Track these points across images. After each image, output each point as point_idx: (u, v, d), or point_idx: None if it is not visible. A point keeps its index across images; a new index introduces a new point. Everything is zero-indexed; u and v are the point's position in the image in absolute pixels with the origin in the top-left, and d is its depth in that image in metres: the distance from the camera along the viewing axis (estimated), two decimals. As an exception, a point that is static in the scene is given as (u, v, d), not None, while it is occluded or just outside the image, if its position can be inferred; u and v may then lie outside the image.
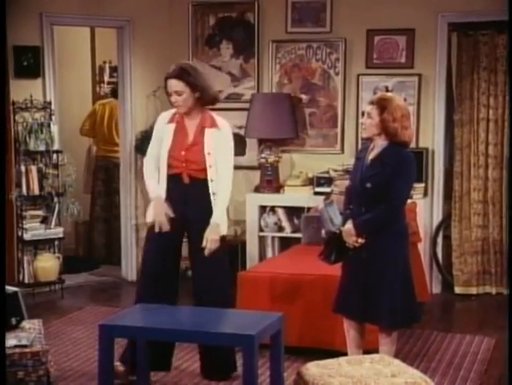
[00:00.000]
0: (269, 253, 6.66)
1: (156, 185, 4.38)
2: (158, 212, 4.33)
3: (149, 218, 4.41)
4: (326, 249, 4.30)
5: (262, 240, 6.69)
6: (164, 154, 4.37)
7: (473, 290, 6.57)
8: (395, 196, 4.10)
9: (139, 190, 7.14)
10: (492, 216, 6.55)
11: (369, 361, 3.71)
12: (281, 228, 6.63)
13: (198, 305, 4.35)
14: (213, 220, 4.34)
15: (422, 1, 6.41)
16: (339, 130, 6.70)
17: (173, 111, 4.44)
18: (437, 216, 6.63)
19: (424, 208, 6.43)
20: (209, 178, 4.36)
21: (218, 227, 4.36)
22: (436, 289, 6.65)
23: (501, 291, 6.53)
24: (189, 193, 4.37)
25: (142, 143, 6.97)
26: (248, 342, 3.40)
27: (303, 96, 6.75)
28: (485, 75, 6.46)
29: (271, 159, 6.57)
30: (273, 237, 6.67)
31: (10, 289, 4.24)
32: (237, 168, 6.83)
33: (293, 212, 6.58)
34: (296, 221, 6.57)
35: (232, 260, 6.53)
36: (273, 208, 6.63)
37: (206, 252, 4.32)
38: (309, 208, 6.31)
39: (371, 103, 4.16)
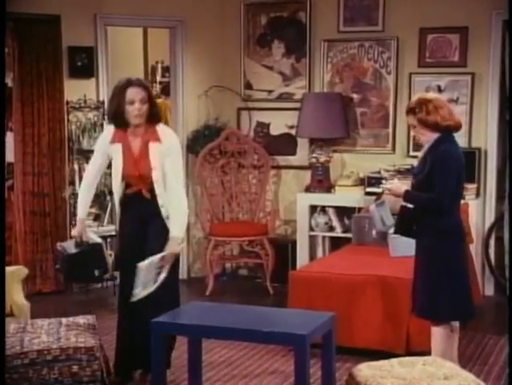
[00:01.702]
0: (319, 253, 6.65)
1: (85, 206, 4.42)
2: (77, 234, 4.35)
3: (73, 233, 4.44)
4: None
5: (312, 239, 6.67)
6: (117, 174, 4.32)
7: (527, 293, 6.45)
8: (437, 190, 4.07)
9: (190, 189, 7.18)
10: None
11: (422, 363, 3.67)
12: (331, 228, 6.60)
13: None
14: (172, 234, 4.20)
15: (476, -1, 6.33)
16: (390, 130, 6.65)
17: (111, 129, 4.32)
18: (490, 218, 6.53)
19: (477, 209, 6.34)
20: (156, 192, 4.25)
21: (177, 241, 4.22)
22: (488, 291, 6.55)
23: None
24: (149, 208, 4.28)
25: (193, 143, 7.02)
26: (300, 341, 3.39)
27: (355, 96, 6.71)
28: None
29: (322, 158, 6.55)
30: (323, 237, 6.66)
31: (93, 238, 4.30)
32: (287, 167, 6.99)
33: (344, 212, 6.55)
34: (347, 221, 6.55)
35: (282, 259, 6.62)
36: (323, 208, 6.61)
37: (166, 265, 4.15)
38: (360, 209, 6.27)
39: (407, 114, 4.21)
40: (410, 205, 4.19)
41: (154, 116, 4.28)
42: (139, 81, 4.32)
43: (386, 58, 6.59)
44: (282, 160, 7.01)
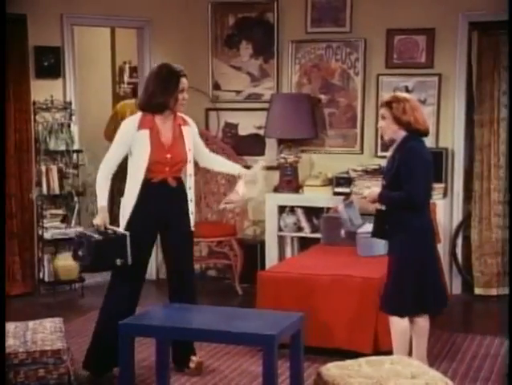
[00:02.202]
0: (288, 253, 6.66)
1: (105, 194, 4.43)
2: (101, 223, 4.37)
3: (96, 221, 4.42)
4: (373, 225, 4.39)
5: (281, 240, 6.69)
6: (140, 162, 4.37)
7: (494, 291, 6.53)
8: (408, 187, 4.14)
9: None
10: (512, 216, 6.51)
11: (389, 362, 3.70)
12: (300, 229, 6.62)
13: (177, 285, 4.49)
14: (241, 171, 4.72)
15: (442, 0, 6.37)
16: (358, 130, 6.68)
17: (138, 117, 4.39)
18: (457, 217, 6.59)
19: (444, 209, 6.40)
20: (188, 173, 4.49)
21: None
22: (456, 289, 6.62)
23: (522, 292, 6.48)
24: (174, 196, 4.46)
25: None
26: (268, 341, 3.39)
27: (323, 96, 6.74)
28: (506, 75, 6.42)
29: (291, 159, 6.57)
30: (292, 237, 6.68)
31: (120, 231, 4.26)
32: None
33: (312, 212, 6.57)
34: (315, 221, 6.57)
35: (251, 260, 6.63)
36: (292, 209, 6.63)
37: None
38: (328, 209, 6.30)
39: (382, 106, 4.30)
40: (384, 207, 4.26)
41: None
42: (184, 70, 4.42)
43: (354, 59, 6.63)
44: (250, 160, 6.99)
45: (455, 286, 6.63)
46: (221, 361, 4.86)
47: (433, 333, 5.31)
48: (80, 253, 4.15)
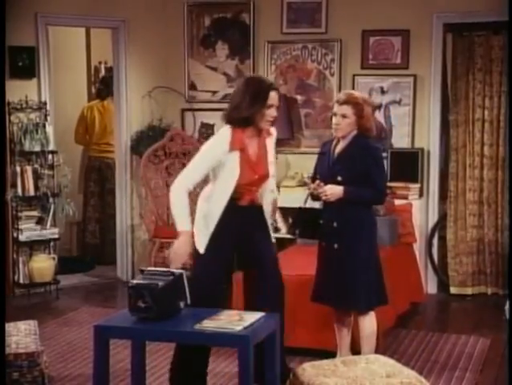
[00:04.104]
0: (264, 254, 6.65)
1: (188, 217, 3.99)
2: (183, 252, 4.01)
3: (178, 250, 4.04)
4: (292, 224, 4.50)
5: (257, 240, 6.67)
6: (226, 185, 4.02)
7: (469, 291, 6.58)
8: (378, 183, 4.26)
9: (134, 191, 7.15)
10: (487, 216, 6.56)
11: (364, 361, 3.72)
12: (276, 229, 6.57)
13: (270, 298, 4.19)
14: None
15: (417, 2, 6.42)
16: (334, 130, 6.70)
17: (229, 134, 3.99)
18: (433, 217, 6.63)
19: (420, 209, 6.45)
20: (269, 189, 4.25)
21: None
22: (431, 289, 6.66)
23: (496, 291, 6.54)
24: (261, 218, 4.24)
25: (137, 144, 6.98)
26: (243, 342, 3.39)
27: (299, 97, 6.76)
28: (481, 76, 6.48)
29: (267, 159, 6.56)
30: (268, 238, 6.67)
31: (176, 271, 3.76)
32: (233, 168, 6.96)
33: (289, 212, 6.55)
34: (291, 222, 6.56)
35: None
36: (268, 209, 6.62)
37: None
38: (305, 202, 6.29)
39: (345, 103, 4.26)
40: (316, 206, 4.34)
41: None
42: (274, 84, 4.23)
43: (329, 60, 6.66)
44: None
45: (431, 286, 6.67)
46: (197, 362, 4.85)
47: (408, 332, 5.38)
48: (142, 304, 3.63)
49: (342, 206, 4.28)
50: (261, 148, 4.13)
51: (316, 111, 6.74)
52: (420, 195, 6.51)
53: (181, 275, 3.78)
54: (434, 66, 6.48)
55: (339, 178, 4.26)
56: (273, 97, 4.01)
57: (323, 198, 4.30)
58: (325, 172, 4.33)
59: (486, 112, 6.49)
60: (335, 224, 4.31)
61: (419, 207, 6.40)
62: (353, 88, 6.53)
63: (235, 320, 3.60)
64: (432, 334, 5.42)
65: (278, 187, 6.62)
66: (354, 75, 6.59)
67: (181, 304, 3.75)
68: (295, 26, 6.68)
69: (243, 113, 3.98)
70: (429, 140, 6.56)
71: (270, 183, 4.26)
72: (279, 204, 6.46)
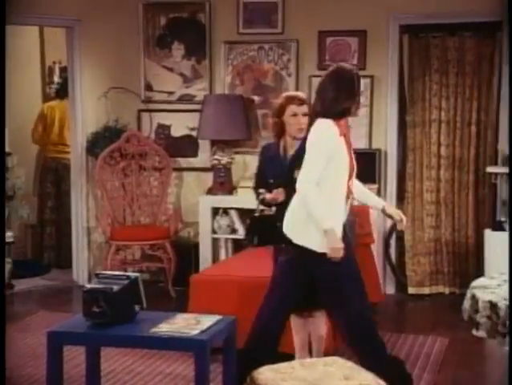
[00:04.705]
0: (222, 256, 6.66)
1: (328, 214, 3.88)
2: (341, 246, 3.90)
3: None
4: (249, 233, 4.41)
5: (215, 242, 6.67)
6: (344, 173, 3.95)
7: (427, 290, 6.63)
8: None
9: (90, 192, 7.07)
10: (444, 216, 6.62)
11: (322, 364, 3.70)
12: (234, 231, 6.62)
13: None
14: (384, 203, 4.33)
15: (373, 3, 6.44)
16: (291, 131, 6.69)
17: (331, 123, 3.90)
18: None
19: (378, 210, 6.44)
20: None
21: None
22: (389, 289, 6.69)
23: (453, 291, 6.60)
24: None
25: (93, 145, 6.90)
26: (199, 347, 3.37)
27: (256, 97, 6.74)
28: (437, 77, 6.53)
29: (224, 160, 6.55)
30: (226, 239, 6.67)
31: (132, 275, 3.75)
32: (189, 169, 6.96)
33: (246, 214, 6.51)
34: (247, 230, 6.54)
35: (185, 262, 6.58)
36: (226, 210, 6.62)
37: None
38: (262, 210, 6.28)
39: (304, 102, 4.27)
40: (270, 212, 4.29)
41: None
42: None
43: (286, 61, 6.64)
44: (183, 161, 6.97)
45: (389, 286, 6.71)
46: (154, 366, 4.81)
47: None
48: (96, 309, 3.58)
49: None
50: (350, 140, 4.06)
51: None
52: (378, 195, 6.49)
53: (137, 279, 3.74)
54: (391, 67, 6.50)
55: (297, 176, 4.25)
56: (361, 85, 4.04)
57: (279, 201, 4.26)
58: (281, 175, 4.30)
59: (443, 113, 6.55)
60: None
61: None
62: (310, 89, 6.53)
63: (192, 324, 3.58)
64: (391, 335, 5.43)
65: (236, 188, 6.61)
66: (311, 76, 6.57)
67: (137, 308, 3.70)
68: (252, 26, 6.66)
69: (344, 104, 3.91)
70: (386, 141, 6.59)
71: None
72: (236, 206, 6.54)
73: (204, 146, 6.88)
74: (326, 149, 3.88)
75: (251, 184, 6.45)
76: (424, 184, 6.61)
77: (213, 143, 6.73)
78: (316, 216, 3.86)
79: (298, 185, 3.90)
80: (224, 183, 6.60)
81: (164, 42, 6.91)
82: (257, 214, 4.36)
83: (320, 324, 4.45)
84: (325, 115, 3.92)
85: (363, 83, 6.37)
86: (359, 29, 6.46)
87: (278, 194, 4.23)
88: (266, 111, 6.71)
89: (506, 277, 3.71)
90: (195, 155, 6.91)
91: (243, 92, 6.71)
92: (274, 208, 4.36)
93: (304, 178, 3.88)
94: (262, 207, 4.37)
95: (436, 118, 6.56)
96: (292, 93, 4.56)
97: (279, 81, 6.69)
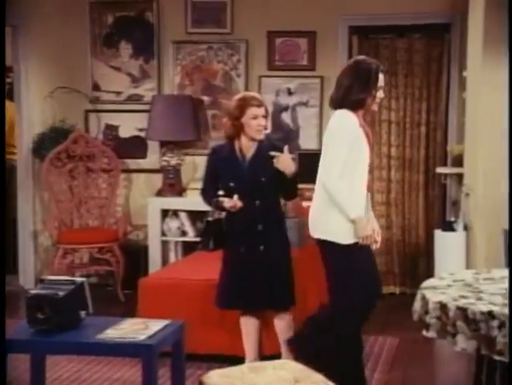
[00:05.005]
0: (172, 259, 6.60)
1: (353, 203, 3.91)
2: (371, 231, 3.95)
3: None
4: (204, 237, 4.40)
5: (164, 245, 6.61)
6: (365, 164, 3.97)
7: (377, 291, 6.64)
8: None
9: (37, 195, 6.93)
10: (395, 217, 6.66)
11: (272, 367, 3.66)
12: (184, 233, 6.56)
13: None
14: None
15: (323, 4, 6.45)
16: (241, 132, 6.66)
17: (350, 113, 3.93)
18: (341, 218, 6.65)
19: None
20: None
21: None
22: (340, 290, 6.68)
23: (404, 291, 6.64)
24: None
25: (39, 147, 6.78)
26: (147, 352, 3.30)
27: (205, 98, 6.70)
28: (387, 78, 6.51)
29: (173, 162, 6.49)
30: (176, 242, 6.61)
31: (78, 279, 3.66)
32: (138, 171, 6.88)
33: (196, 216, 6.49)
34: (199, 225, 6.48)
35: (134, 266, 6.49)
36: (175, 212, 6.56)
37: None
38: (213, 212, 6.23)
39: (262, 104, 4.30)
40: (220, 216, 4.30)
41: None
42: (381, 66, 4.09)
43: (236, 61, 6.62)
44: (132, 163, 6.89)
45: (339, 287, 6.69)
46: (101, 372, 4.72)
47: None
48: (41, 315, 3.48)
49: (266, 208, 4.29)
50: (369, 134, 4.05)
51: (223, 112, 6.66)
52: (328, 196, 6.52)
53: (83, 284, 3.67)
54: (340, 68, 6.40)
55: (263, 179, 4.27)
56: (381, 79, 4.01)
57: (237, 208, 4.23)
58: (242, 177, 4.29)
59: (393, 114, 6.59)
60: (259, 227, 4.30)
61: (327, 208, 6.40)
62: (259, 89, 6.52)
63: (139, 328, 3.51)
64: (341, 336, 5.41)
65: (185, 190, 6.55)
66: (260, 76, 6.57)
67: (83, 314, 3.63)
68: (200, 25, 6.61)
69: (358, 95, 3.93)
70: (336, 142, 6.58)
71: None
72: (186, 208, 6.48)
73: (153, 147, 6.81)
74: (347, 139, 3.88)
75: (201, 185, 6.48)
76: (375, 184, 6.64)
77: (163, 144, 6.65)
78: (343, 207, 3.86)
79: (323, 179, 3.91)
80: (173, 184, 6.54)
81: (111, 41, 6.82)
82: (211, 218, 4.33)
83: (287, 325, 4.43)
84: (340, 106, 3.95)
85: (314, 84, 6.50)
86: (308, 30, 6.47)
87: (237, 202, 4.23)
88: (215, 112, 6.69)
89: (456, 277, 3.72)
90: (144, 156, 6.84)
91: (192, 93, 6.66)
92: (223, 213, 4.32)
93: (329, 173, 3.88)
94: (215, 210, 4.33)
95: (386, 119, 6.60)
96: (249, 94, 4.51)
97: (229, 81, 6.66)
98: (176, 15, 6.65)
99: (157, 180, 6.68)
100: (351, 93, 3.93)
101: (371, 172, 6.48)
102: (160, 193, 6.62)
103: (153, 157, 6.79)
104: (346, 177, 3.88)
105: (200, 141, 6.67)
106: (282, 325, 4.45)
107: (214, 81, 6.68)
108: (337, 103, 3.99)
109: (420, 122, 6.55)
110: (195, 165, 6.75)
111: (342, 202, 3.88)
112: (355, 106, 3.93)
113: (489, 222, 5.26)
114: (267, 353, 4.58)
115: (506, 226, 4.35)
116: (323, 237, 4.00)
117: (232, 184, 4.29)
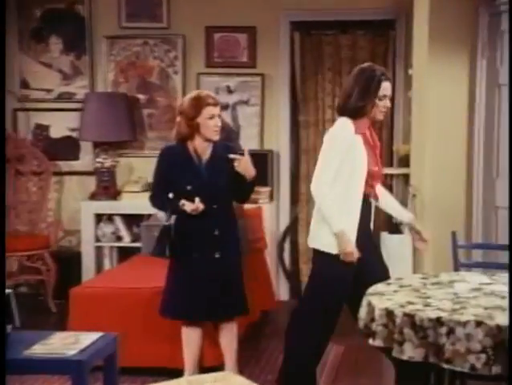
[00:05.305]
0: (106, 265, 6.51)
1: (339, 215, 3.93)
2: (354, 248, 3.94)
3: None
4: (159, 244, 4.30)
5: (98, 251, 6.51)
6: (361, 172, 3.96)
7: (322, 296, 6.63)
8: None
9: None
10: (339, 219, 6.64)
11: (212, 380, 3.59)
12: (119, 238, 6.49)
13: None
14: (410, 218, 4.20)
15: (263, -3, 6.44)
16: (179, 132, 6.59)
17: (349, 121, 3.97)
18: (284, 221, 6.65)
19: (271, 213, 6.44)
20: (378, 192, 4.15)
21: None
22: (283, 296, 6.68)
23: (349, 296, 6.62)
24: (370, 215, 4.11)
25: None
26: (76, 368, 3.19)
27: (141, 96, 6.62)
28: (330, 76, 6.59)
29: (108, 163, 6.42)
30: (111, 248, 6.53)
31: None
32: (70, 173, 6.76)
33: (132, 220, 6.44)
34: (135, 230, 6.47)
35: (66, 274, 6.36)
36: (110, 217, 6.48)
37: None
38: (149, 216, 6.16)
39: (217, 103, 4.27)
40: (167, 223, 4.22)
41: None
42: (387, 74, 4.09)
43: (172, 57, 6.56)
44: (64, 165, 6.76)
45: (283, 292, 6.69)
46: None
47: (258, 344, 5.32)
48: None
49: (222, 212, 4.25)
50: (375, 143, 4.09)
51: (160, 111, 6.62)
52: (271, 198, 6.51)
53: (8, 296, 3.54)
54: (282, 66, 6.51)
55: (221, 182, 4.24)
56: (385, 88, 4.01)
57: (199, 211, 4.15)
58: (199, 180, 4.22)
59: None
60: (216, 233, 4.25)
61: (270, 211, 6.40)
62: (198, 87, 6.46)
63: (69, 343, 3.42)
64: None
65: (120, 193, 6.46)
66: (199, 74, 6.53)
67: (8, 328, 3.49)
68: (135, 20, 6.53)
69: (357, 103, 3.97)
70: (279, 142, 6.59)
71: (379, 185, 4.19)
72: (121, 211, 6.37)
73: (86, 148, 6.70)
74: (339, 147, 3.93)
75: (137, 188, 6.40)
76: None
77: (96, 144, 6.56)
78: (327, 219, 3.91)
79: (312, 187, 3.95)
80: (108, 187, 6.45)
81: (40, 35, 6.69)
82: (167, 223, 4.23)
83: (233, 334, 4.39)
84: (342, 113, 4.01)
85: (254, 81, 6.46)
86: (248, 25, 6.45)
87: (200, 205, 4.15)
88: (151, 111, 6.63)
89: (403, 282, 3.69)
90: (76, 158, 6.73)
91: (127, 90, 6.57)
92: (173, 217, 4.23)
93: (317, 180, 3.92)
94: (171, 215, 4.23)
95: (330, 118, 6.61)
96: (204, 92, 4.40)
97: (165, 79, 6.60)
98: (110, 8, 6.55)
99: (91, 182, 6.58)
100: (350, 100, 3.98)
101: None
102: (93, 197, 6.52)
103: (86, 159, 6.69)
104: (338, 185, 3.91)
105: (135, 142, 6.59)
106: (228, 335, 4.40)
107: (150, 78, 6.60)
108: (339, 111, 4.06)
109: (365, 121, 6.55)
110: (130, 167, 6.67)
111: (327, 213, 3.91)
112: (353, 113, 3.98)
113: (436, 224, 5.27)
114: (208, 365, 4.51)
115: (455, 228, 4.36)
116: (316, 246, 4.03)
117: (189, 188, 4.21)
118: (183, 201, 4.16)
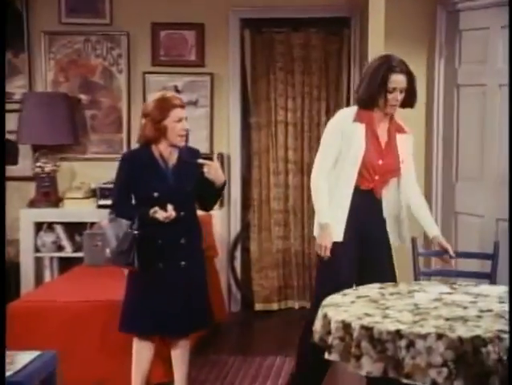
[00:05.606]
0: (47, 277, 6.41)
1: (328, 208, 4.06)
2: (329, 243, 4.06)
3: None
4: (126, 254, 4.13)
5: (38, 261, 6.41)
6: (352, 162, 4.02)
7: (275, 306, 6.67)
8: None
9: None
10: (293, 226, 6.68)
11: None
12: (60, 248, 6.39)
13: None
14: (435, 233, 4.24)
15: (212, -7, 6.41)
16: (124, 135, 6.54)
17: (353, 110, 4.09)
18: (235, 228, 6.63)
19: (221, 220, 6.41)
20: (401, 190, 4.19)
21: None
22: (234, 307, 6.66)
23: (304, 305, 6.65)
24: (376, 209, 4.16)
25: None
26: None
27: (83, 96, 6.54)
28: (282, 76, 6.59)
29: (48, 168, 6.32)
30: (51, 258, 6.43)
31: None
32: (8, 179, 6.58)
33: (74, 228, 6.35)
34: (78, 239, 6.38)
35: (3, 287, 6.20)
36: (50, 225, 6.37)
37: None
38: (92, 224, 6.13)
39: (184, 105, 4.23)
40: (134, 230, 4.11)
41: (407, 105, 4.11)
42: (402, 66, 4.00)
43: (116, 56, 6.49)
44: (-4, 168, 6.63)
45: (234, 303, 6.68)
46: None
47: (208, 358, 5.26)
48: None
49: (188, 220, 4.19)
50: (391, 139, 4.12)
51: (103, 112, 6.55)
52: (221, 204, 6.46)
53: None
54: (232, 65, 6.49)
55: (188, 188, 4.17)
56: (395, 80, 3.99)
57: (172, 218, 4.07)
58: (166, 186, 4.14)
59: (289, 114, 6.61)
60: (182, 241, 4.17)
61: (220, 217, 6.37)
62: (144, 87, 6.39)
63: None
64: (235, 358, 5.33)
65: (62, 199, 6.35)
66: (144, 73, 6.47)
67: None
68: (76, 15, 6.44)
69: (363, 94, 4.04)
70: (229, 145, 6.55)
71: (402, 182, 4.19)
72: (63, 219, 6.25)
73: (24, 152, 6.59)
74: (335, 136, 4.04)
75: (80, 194, 6.29)
76: (272, 190, 6.64)
77: (36, 148, 6.45)
78: (316, 211, 4.10)
79: (311, 177, 4.13)
80: (48, 194, 6.36)
81: (-30, 31, 6.54)
82: (137, 232, 4.08)
83: (187, 348, 4.31)
84: (355, 102, 4.14)
85: (203, 81, 6.41)
86: (196, 22, 6.41)
87: (172, 212, 4.07)
88: (94, 112, 6.55)
89: (360, 292, 3.65)
90: (14, 162, 6.59)
91: (68, 90, 6.49)
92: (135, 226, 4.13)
93: (314, 171, 4.09)
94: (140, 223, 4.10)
95: (283, 119, 6.62)
96: (169, 93, 4.33)
97: (109, 78, 6.53)
98: (49, 3, 6.45)
99: (30, 188, 6.46)
100: (357, 91, 4.11)
101: (266, 176, 6.60)
102: (33, 204, 6.40)
103: (25, 163, 6.56)
104: (333, 173, 4.04)
105: (78, 145, 6.51)
106: (181, 350, 4.31)
107: (93, 77, 6.52)
108: (355, 102, 4.16)
109: (320, 123, 6.58)
110: (72, 172, 6.58)
111: (317, 206, 4.09)
112: (362, 104, 4.06)
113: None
114: (156, 381, 4.45)
115: (414, 234, 4.35)
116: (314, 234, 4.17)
117: (156, 194, 4.12)
118: (155, 208, 4.06)
